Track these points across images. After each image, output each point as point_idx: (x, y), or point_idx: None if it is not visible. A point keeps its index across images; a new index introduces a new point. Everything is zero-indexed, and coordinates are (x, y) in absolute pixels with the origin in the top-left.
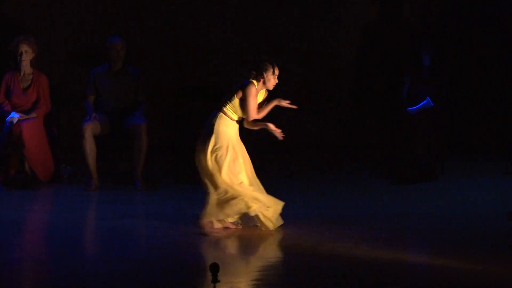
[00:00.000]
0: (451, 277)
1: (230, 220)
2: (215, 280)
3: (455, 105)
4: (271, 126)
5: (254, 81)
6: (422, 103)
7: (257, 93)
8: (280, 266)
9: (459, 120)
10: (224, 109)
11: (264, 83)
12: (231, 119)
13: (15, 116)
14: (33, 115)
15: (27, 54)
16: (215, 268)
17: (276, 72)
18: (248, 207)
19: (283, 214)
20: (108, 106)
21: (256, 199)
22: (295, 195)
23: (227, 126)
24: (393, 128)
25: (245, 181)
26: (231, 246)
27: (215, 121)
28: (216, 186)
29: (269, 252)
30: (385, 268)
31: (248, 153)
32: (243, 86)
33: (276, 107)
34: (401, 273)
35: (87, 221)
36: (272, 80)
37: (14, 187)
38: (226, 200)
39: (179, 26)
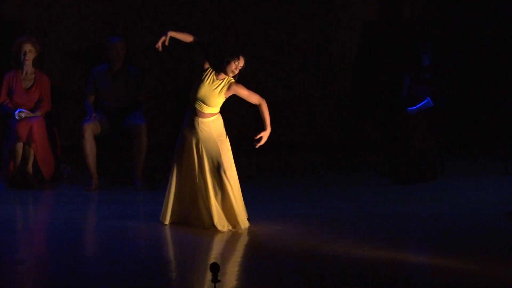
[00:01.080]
0: (451, 277)
1: None
2: (215, 280)
3: (455, 105)
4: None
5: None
6: (422, 103)
7: (211, 75)
8: (280, 266)
9: (459, 120)
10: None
11: (223, 65)
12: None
13: (23, 110)
14: (38, 113)
15: (30, 54)
16: (215, 268)
17: (240, 63)
18: None
19: (285, 213)
20: (108, 106)
21: None
22: (295, 195)
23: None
24: (393, 128)
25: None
26: (231, 246)
27: None
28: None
29: (269, 252)
30: (385, 268)
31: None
32: None
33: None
34: (401, 273)
35: (87, 221)
36: (232, 65)
37: (15, 186)
38: None
39: (179, 26)
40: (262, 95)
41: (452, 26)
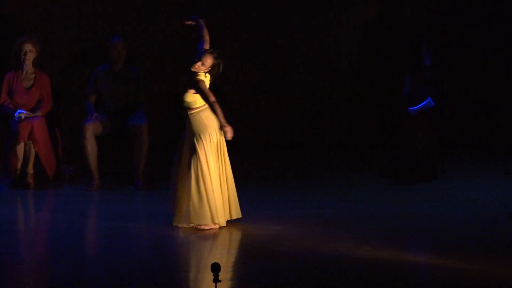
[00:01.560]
0: (451, 276)
1: None
2: (216, 280)
3: (456, 104)
4: None
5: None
6: (423, 103)
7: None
8: (281, 266)
9: (460, 120)
10: None
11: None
12: None
13: (23, 112)
14: (38, 113)
15: (31, 54)
16: (216, 268)
17: (204, 61)
18: None
19: (285, 213)
20: (109, 106)
21: None
22: (295, 195)
23: None
24: (394, 128)
25: None
26: (232, 247)
27: None
28: None
29: (270, 252)
30: (386, 268)
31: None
32: None
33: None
34: (402, 273)
35: (88, 221)
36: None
37: (17, 187)
38: None
39: (180, 26)
40: (262, 94)
41: (453, 26)
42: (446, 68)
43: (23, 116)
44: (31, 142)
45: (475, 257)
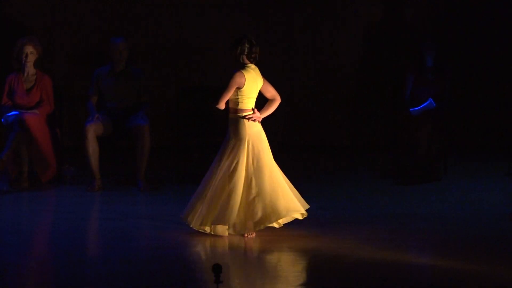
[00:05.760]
0: (454, 277)
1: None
2: (218, 281)
3: (458, 105)
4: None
5: (244, 70)
6: (425, 104)
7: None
8: (283, 267)
9: (462, 121)
10: None
11: (247, 57)
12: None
13: (9, 114)
14: (35, 111)
15: (32, 56)
16: (217, 269)
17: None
18: None
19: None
20: (111, 107)
21: None
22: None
23: None
24: (396, 129)
25: None
26: (234, 247)
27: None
28: None
29: (272, 253)
30: (388, 269)
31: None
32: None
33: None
34: (404, 273)
35: (89, 222)
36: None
37: (16, 188)
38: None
39: (182, 26)
40: (264, 96)
41: (455, 27)
42: (448, 69)
43: (9, 120)
44: (27, 144)
45: (477, 258)
